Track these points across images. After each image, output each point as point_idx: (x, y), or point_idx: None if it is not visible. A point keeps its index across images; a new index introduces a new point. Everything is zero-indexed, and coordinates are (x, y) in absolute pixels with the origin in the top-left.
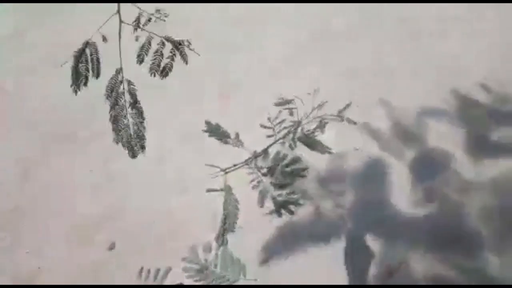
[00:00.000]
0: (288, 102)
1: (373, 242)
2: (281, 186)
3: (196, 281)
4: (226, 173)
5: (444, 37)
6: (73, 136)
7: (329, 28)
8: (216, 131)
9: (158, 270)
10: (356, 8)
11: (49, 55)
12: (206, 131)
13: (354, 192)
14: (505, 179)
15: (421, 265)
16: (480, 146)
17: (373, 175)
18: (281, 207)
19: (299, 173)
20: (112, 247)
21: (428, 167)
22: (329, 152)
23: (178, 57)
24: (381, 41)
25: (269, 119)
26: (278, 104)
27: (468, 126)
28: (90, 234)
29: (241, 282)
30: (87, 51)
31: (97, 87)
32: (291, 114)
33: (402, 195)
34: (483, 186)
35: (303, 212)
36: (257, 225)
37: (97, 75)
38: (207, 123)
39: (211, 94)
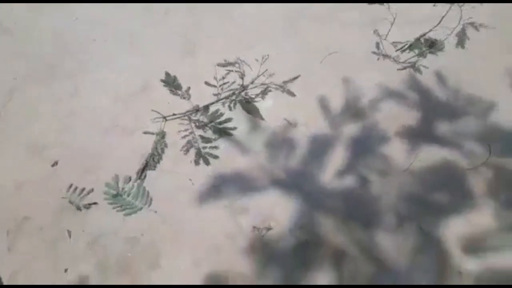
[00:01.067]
0: (232, 64)
1: (292, 205)
2: (208, 140)
3: (109, 203)
4: (166, 120)
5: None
6: (58, 68)
7: (305, 11)
8: (171, 83)
9: (83, 189)
10: None
11: None
12: (163, 81)
13: (286, 159)
14: (427, 169)
15: (328, 236)
16: (421, 135)
17: (309, 148)
18: (200, 157)
19: (227, 131)
20: (54, 164)
21: (362, 146)
22: (262, 119)
23: None
24: (352, 26)
25: (215, 78)
26: (221, 65)
27: (419, 114)
28: (40, 150)
29: (144, 211)
30: None
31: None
32: (242, 77)
33: (331, 169)
34: (405, 174)
35: (237, 165)
36: (180, 171)
37: None
38: (167, 74)
39: (176, 50)
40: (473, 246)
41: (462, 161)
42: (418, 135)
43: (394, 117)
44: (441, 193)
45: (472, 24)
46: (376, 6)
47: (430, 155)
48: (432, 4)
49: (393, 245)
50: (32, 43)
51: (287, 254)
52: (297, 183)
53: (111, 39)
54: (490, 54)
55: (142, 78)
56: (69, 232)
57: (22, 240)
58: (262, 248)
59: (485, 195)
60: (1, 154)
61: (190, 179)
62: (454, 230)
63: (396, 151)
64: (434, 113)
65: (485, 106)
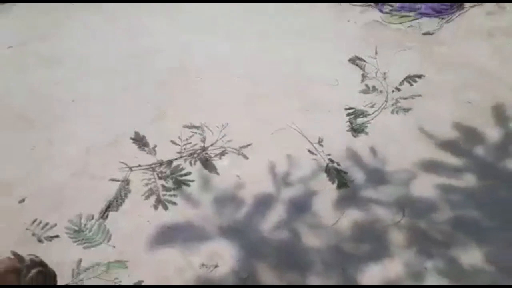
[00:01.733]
0: (196, 127)
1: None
2: (168, 189)
3: (71, 237)
4: (132, 170)
5: None
6: (35, 120)
7: (262, 91)
8: (140, 140)
9: (46, 223)
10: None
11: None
12: (132, 139)
13: (233, 212)
14: (352, 225)
15: (266, 276)
16: (350, 197)
17: (253, 204)
18: (159, 202)
19: (186, 182)
20: (22, 201)
21: (297, 205)
22: (217, 173)
23: None
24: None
25: (179, 138)
26: (186, 127)
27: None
28: (10, 188)
29: (102, 246)
30: None
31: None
32: (203, 140)
33: (270, 222)
34: (333, 228)
35: (192, 214)
36: (140, 213)
37: None
38: (136, 133)
39: (147, 114)
40: None
41: (382, 220)
42: (347, 197)
43: (326, 182)
44: (363, 244)
45: (396, 106)
46: (323, 93)
47: (356, 213)
48: (361, 92)
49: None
50: (12, 98)
51: None
52: (241, 232)
53: (88, 101)
54: (408, 139)
55: (113, 135)
56: None
57: None
58: (207, 282)
59: (400, 247)
60: None
61: (148, 221)
62: (372, 274)
63: (326, 210)
64: (363, 179)
65: (405, 177)
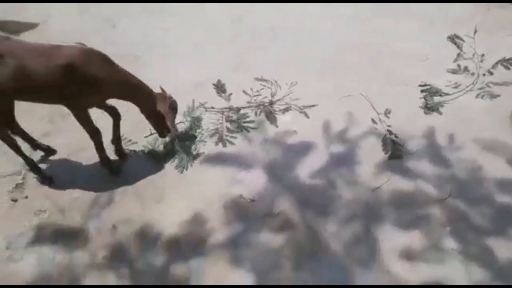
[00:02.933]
0: (266, 81)
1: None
2: (231, 131)
3: (143, 153)
4: (206, 110)
5: None
6: (140, 57)
7: (341, 59)
8: (220, 88)
9: (129, 140)
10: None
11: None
12: (214, 85)
13: (280, 155)
14: (394, 191)
15: (291, 212)
16: (394, 168)
17: (300, 152)
18: (221, 140)
19: (246, 128)
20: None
21: (340, 160)
22: (276, 126)
23: None
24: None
25: (251, 89)
26: (257, 80)
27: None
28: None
29: (167, 165)
30: None
31: None
32: (272, 95)
33: (311, 169)
34: (366, 189)
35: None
36: (203, 146)
37: None
38: (218, 81)
39: (231, 65)
40: (406, 254)
41: (426, 194)
42: (395, 167)
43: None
44: (397, 210)
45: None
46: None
47: (402, 182)
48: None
49: (337, 234)
50: (124, 38)
51: (257, 218)
52: (281, 173)
53: (186, 48)
54: (483, 124)
55: (199, 79)
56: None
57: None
58: (242, 209)
59: (434, 223)
60: None
61: (205, 152)
62: (396, 238)
63: (366, 171)
64: (420, 154)
65: (466, 161)
